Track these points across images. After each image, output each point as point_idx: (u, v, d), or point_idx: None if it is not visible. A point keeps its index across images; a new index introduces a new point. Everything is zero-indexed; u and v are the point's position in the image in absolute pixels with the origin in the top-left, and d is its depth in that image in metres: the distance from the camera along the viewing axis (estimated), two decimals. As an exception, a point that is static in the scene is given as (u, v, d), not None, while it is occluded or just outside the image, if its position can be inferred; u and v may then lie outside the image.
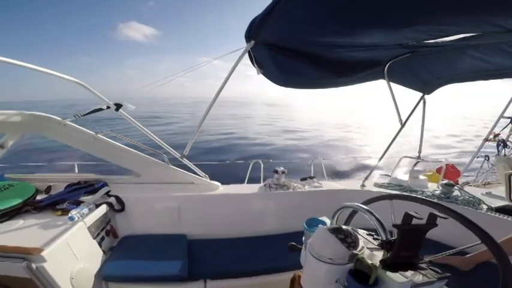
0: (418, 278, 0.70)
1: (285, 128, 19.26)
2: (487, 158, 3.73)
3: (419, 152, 2.60)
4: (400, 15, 1.13)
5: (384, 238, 0.78)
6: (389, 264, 0.71)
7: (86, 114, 1.87)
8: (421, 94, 2.40)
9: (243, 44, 1.57)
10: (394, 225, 0.71)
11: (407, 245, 0.71)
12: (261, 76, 1.83)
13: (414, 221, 0.70)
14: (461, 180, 3.47)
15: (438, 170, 3.79)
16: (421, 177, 2.52)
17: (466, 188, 2.31)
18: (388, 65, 1.99)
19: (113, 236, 1.93)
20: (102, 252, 1.70)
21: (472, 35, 1.37)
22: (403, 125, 2.31)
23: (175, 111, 36.53)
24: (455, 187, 2.16)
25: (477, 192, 2.29)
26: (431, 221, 0.71)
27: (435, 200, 1.24)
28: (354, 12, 1.14)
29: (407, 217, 0.70)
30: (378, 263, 0.72)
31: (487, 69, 1.87)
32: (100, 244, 1.72)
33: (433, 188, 2.41)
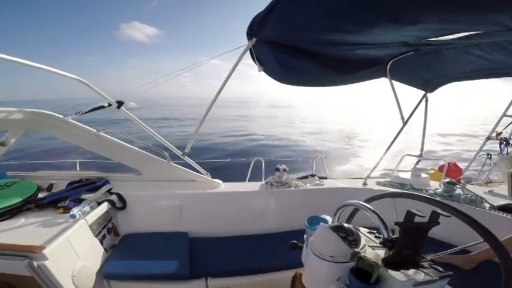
0: (420, 276, 0.69)
1: (306, 130, 19.28)
2: (489, 157, 3.72)
3: (422, 150, 2.59)
4: (402, 13, 1.12)
5: (386, 236, 0.78)
6: (391, 263, 0.70)
7: (88, 111, 1.87)
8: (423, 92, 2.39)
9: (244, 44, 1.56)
10: (396, 223, 0.70)
11: (410, 243, 0.71)
12: (262, 76, 1.82)
13: (416, 219, 0.69)
14: (463, 178, 3.45)
15: (440, 168, 3.79)
16: (423, 175, 2.52)
17: (468, 187, 2.31)
18: (390, 63, 1.98)
19: (114, 234, 1.94)
20: (103, 250, 1.71)
21: (475, 33, 1.35)
22: (405, 123, 2.30)
23: (190, 113, 35.94)
24: (457, 185, 2.15)
25: (479, 190, 2.29)
26: (434, 219, 0.70)
27: (437, 198, 1.21)
28: (357, 10, 1.13)
29: (410, 215, 0.70)
30: (380, 261, 0.72)
31: (490, 68, 1.85)
32: (101, 242, 1.73)
33: (435, 186, 2.40)
